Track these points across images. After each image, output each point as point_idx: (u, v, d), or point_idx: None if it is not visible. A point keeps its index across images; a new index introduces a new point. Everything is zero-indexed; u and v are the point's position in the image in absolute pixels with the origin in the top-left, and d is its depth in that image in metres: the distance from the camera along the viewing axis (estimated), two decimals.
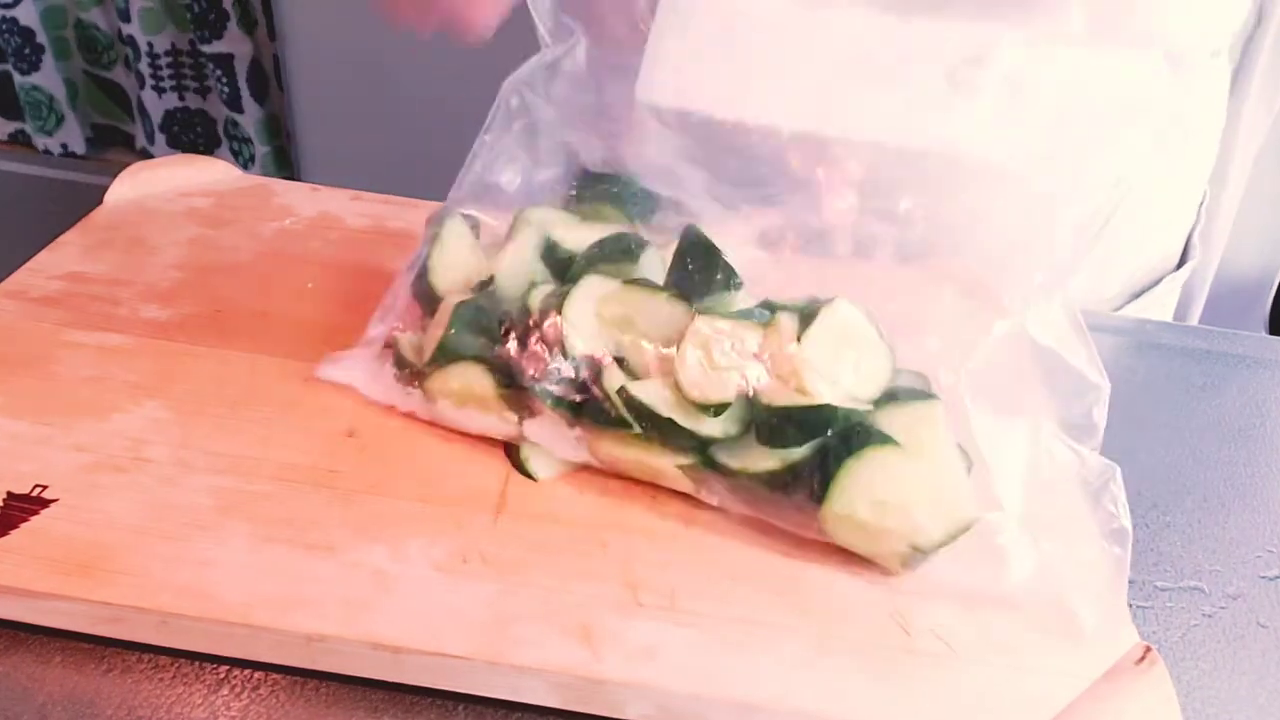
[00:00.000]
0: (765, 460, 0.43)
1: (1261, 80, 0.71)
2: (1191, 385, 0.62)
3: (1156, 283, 0.72)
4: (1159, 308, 0.74)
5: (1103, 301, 0.72)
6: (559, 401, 0.45)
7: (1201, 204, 0.74)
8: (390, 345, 0.51)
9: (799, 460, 0.43)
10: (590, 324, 0.46)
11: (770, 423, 0.43)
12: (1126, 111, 0.51)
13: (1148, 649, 0.40)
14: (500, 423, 0.47)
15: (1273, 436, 0.58)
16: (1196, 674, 0.44)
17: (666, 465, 0.45)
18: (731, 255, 0.48)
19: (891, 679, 0.39)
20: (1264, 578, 0.49)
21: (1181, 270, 0.74)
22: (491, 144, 0.52)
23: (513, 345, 0.46)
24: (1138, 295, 0.72)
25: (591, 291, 0.46)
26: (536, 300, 0.47)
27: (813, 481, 0.43)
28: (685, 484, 0.46)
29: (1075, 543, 0.45)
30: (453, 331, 0.47)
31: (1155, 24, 0.58)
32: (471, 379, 0.47)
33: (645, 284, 0.47)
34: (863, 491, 0.42)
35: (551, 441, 0.47)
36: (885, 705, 0.38)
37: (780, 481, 0.43)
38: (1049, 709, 0.39)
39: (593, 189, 0.53)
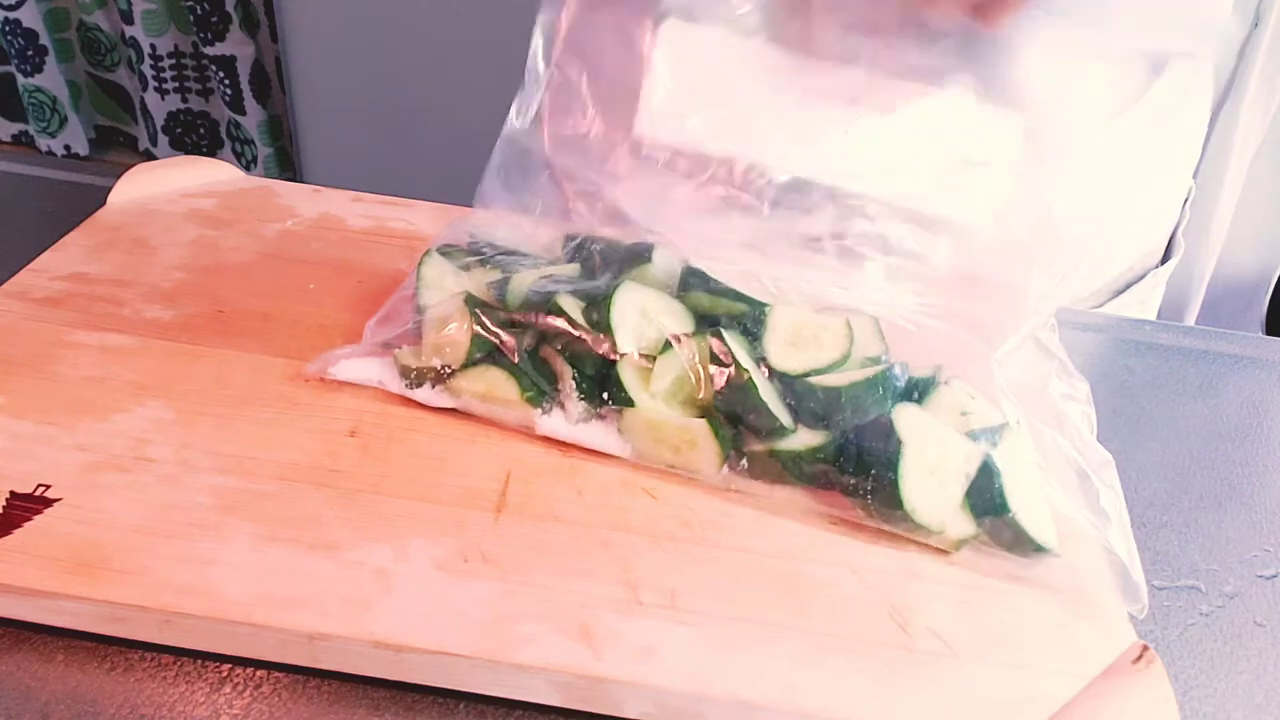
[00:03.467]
0: (813, 439, 0.46)
1: (1258, 82, 0.72)
2: (1188, 385, 0.62)
3: (1140, 279, 0.73)
4: (1143, 304, 0.74)
5: (1086, 297, 0.72)
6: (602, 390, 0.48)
7: (1186, 200, 0.74)
8: (389, 348, 0.51)
9: (845, 442, 0.46)
10: (636, 321, 0.49)
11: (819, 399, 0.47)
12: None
13: (1145, 648, 0.41)
14: (521, 416, 0.49)
15: (1269, 436, 0.59)
16: (1194, 673, 0.44)
17: (701, 446, 0.47)
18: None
19: (891, 678, 0.40)
20: (1261, 576, 0.49)
21: (1165, 267, 0.74)
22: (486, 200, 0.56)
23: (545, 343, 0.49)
24: (1121, 291, 0.72)
25: (632, 296, 0.50)
26: (569, 305, 0.49)
27: (868, 475, 0.45)
28: (712, 462, 0.47)
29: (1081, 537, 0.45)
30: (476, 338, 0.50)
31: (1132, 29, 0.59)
32: (493, 381, 0.49)
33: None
34: (929, 492, 0.44)
35: (572, 430, 0.48)
36: (884, 704, 0.39)
37: (826, 465, 0.46)
38: (1047, 708, 0.39)
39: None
